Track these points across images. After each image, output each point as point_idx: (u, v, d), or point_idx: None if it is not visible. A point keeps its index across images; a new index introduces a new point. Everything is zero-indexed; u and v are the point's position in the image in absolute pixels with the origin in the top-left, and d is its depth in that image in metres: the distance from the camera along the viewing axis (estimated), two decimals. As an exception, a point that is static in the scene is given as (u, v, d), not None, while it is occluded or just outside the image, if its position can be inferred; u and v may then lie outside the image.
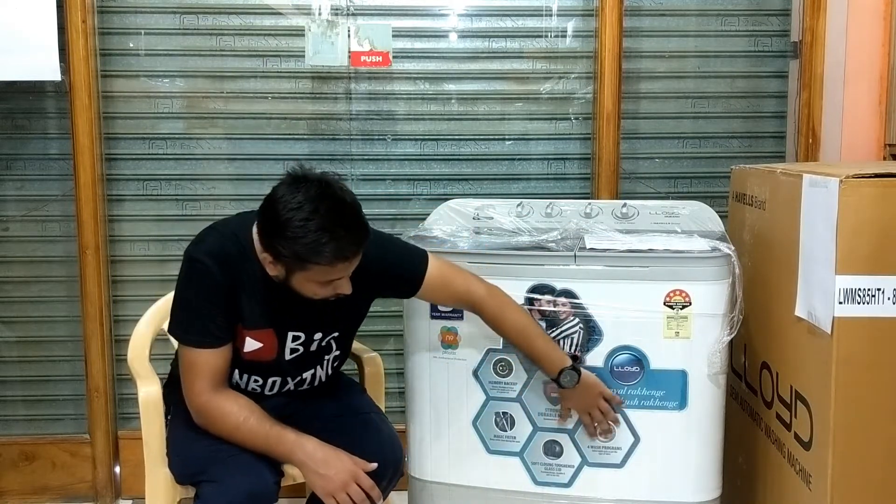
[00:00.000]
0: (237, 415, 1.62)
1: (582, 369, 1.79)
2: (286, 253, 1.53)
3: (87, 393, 2.43)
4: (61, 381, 2.49)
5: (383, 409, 1.92)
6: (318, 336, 1.75)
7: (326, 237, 1.50)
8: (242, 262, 1.64)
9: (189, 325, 1.65)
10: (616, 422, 1.82)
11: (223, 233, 1.67)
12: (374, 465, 1.66)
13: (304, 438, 1.63)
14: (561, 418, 1.85)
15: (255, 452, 1.63)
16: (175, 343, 1.98)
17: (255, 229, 1.63)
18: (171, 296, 1.89)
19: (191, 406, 1.67)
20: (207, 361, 1.64)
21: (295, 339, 1.73)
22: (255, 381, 1.76)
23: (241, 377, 1.75)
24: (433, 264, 1.76)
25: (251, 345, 1.69)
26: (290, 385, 1.79)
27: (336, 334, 1.78)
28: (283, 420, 1.80)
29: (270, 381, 1.76)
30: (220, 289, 1.62)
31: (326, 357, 1.80)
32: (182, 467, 1.72)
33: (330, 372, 1.84)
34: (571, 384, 1.77)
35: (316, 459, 1.61)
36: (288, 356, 1.74)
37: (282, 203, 1.52)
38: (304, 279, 1.58)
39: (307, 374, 1.79)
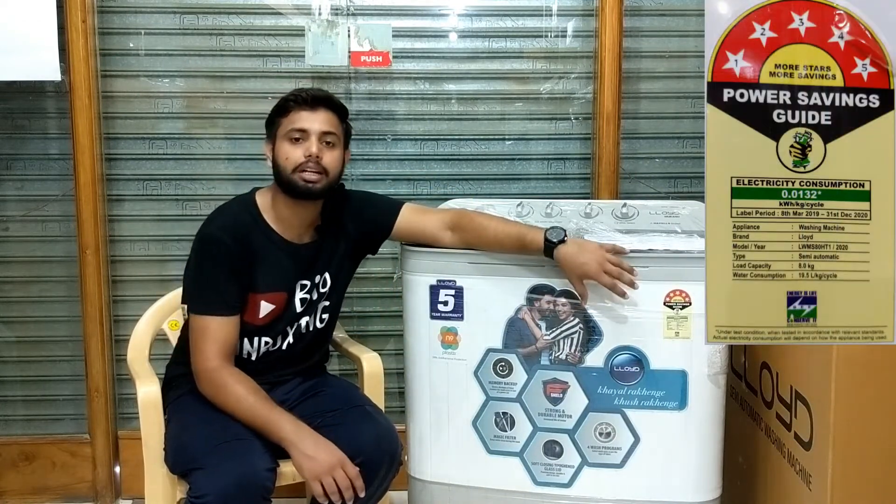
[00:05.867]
0: (242, 390, 1.71)
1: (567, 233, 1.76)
2: (268, 120, 1.83)
3: (87, 393, 2.42)
4: (61, 381, 2.49)
5: (383, 410, 1.93)
6: (318, 279, 1.88)
7: (292, 94, 1.82)
8: (255, 228, 1.81)
9: (202, 294, 1.77)
10: (632, 271, 1.73)
11: (232, 207, 1.85)
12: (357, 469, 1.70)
13: (301, 426, 1.70)
14: (583, 300, 1.77)
15: (247, 441, 1.66)
16: (173, 339, 2.00)
17: (257, 195, 1.85)
18: (170, 296, 1.90)
19: (199, 373, 1.74)
20: (219, 328, 1.74)
21: (302, 287, 1.85)
22: (266, 342, 1.85)
23: (251, 343, 1.83)
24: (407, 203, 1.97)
25: (265, 308, 1.81)
26: (290, 338, 1.88)
27: (328, 275, 1.89)
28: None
29: (279, 337, 1.86)
30: (234, 258, 1.76)
31: (320, 304, 1.91)
32: (175, 456, 1.74)
33: (319, 324, 1.91)
34: (559, 237, 1.75)
35: (307, 443, 1.67)
36: (298, 308, 1.85)
37: None
38: (280, 140, 1.79)
39: (303, 321, 1.88)
